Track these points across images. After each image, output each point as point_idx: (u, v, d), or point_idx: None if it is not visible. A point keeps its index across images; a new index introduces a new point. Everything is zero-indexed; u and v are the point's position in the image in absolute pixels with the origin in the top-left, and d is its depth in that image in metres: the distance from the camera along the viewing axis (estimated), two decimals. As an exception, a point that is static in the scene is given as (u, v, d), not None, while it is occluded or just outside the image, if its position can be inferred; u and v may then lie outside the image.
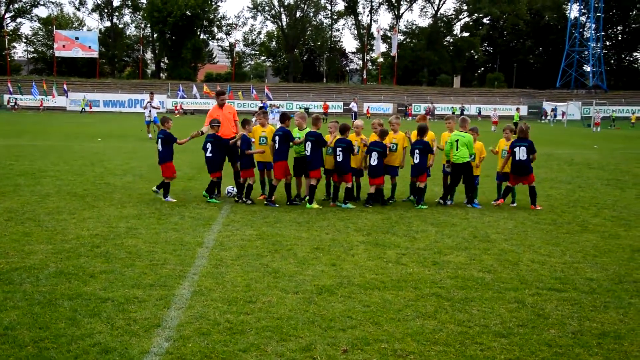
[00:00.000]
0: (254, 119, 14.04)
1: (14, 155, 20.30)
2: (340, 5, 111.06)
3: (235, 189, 13.26)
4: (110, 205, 11.91)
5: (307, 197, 12.42)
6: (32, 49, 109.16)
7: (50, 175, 15.72)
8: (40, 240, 8.91)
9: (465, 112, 68.48)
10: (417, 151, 12.60)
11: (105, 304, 6.31)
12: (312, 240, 9.38)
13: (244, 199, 12.61)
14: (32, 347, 5.25)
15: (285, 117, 12.79)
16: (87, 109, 70.65)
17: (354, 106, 57.76)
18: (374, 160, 12.50)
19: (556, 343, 5.59)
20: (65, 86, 77.14)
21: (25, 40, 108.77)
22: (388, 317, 6.13)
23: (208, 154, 12.79)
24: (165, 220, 10.59)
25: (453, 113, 59.34)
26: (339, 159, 12.33)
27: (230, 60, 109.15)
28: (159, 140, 12.92)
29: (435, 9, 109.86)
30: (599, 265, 8.29)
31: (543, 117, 69.22)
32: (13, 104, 69.94)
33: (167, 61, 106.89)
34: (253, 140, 12.94)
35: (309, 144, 12.25)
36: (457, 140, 12.58)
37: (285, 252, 8.59)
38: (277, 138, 12.36)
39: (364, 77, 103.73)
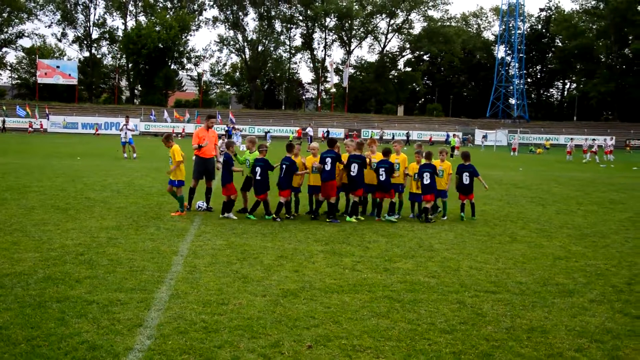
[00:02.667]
0: (220, 141, 13.98)
1: (0, 172, 19.76)
2: (298, 41, 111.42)
3: (205, 204, 13.17)
4: (91, 217, 11.70)
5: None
6: (17, 76, 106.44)
7: (35, 190, 15.34)
8: (28, 249, 8.70)
9: (409, 137, 69.37)
10: (382, 170, 12.65)
11: (91, 305, 6.21)
12: (276, 249, 9.38)
13: (226, 214, 12.31)
14: (25, 344, 5.14)
15: (231, 144, 12.84)
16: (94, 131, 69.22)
17: (310, 130, 57.97)
18: (354, 172, 12.41)
19: (493, 337, 5.72)
20: (47, 110, 75.45)
21: (10, 68, 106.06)
22: (346, 317, 6.18)
23: (257, 177, 12.39)
24: (143, 231, 10.45)
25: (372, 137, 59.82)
26: (353, 173, 12.38)
27: (198, 88, 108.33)
28: (222, 162, 12.53)
29: (382, 46, 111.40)
30: (526, 270, 8.50)
31: (469, 144, 69.79)
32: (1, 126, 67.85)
33: (140, 88, 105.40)
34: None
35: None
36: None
37: (252, 260, 8.57)
38: (284, 167, 12.38)
39: (319, 105, 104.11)
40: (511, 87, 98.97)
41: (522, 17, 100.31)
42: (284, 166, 12.39)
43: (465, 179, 13.21)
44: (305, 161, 12.91)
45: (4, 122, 68.63)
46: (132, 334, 5.47)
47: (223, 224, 11.45)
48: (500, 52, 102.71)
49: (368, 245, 9.90)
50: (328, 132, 72.89)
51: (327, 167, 12.33)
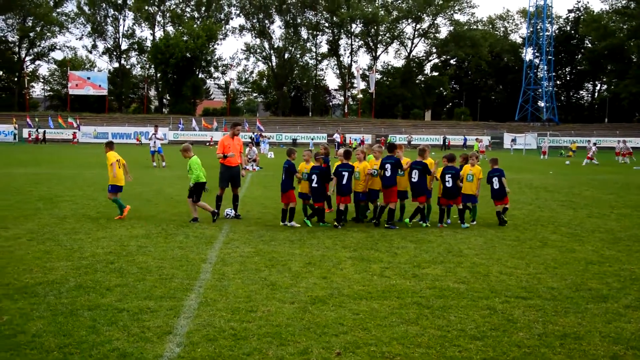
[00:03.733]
0: (247, 149, 14.08)
1: (33, 182, 20.15)
2: (324, 48, 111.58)
3: (233, 212, 13.23)
4: (121, 226, 11.85)
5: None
6: (49, 88, 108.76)
7: (67, 200, 15.61)
8: (60, 258, 8.85)
9: (446, 142, 68.95)
10: (415, 171, 12.55)
11: (122, 313, 6.27)
12: (304, 256, 9.37)
13: (287, 223, 12.31)
14: (58, 352, 5.21)
15: (292, 151, 12.92)
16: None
17: (337, 137, 57.96)
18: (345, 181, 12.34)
19: (524, 344, 5.63)
20: (77, 120, 76.85)
21: (42, 80, 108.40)
22: (375, 324, 6.14)
23: (314, 185, 12.39)
24: (172, 239, 10.55)
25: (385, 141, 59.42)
26: (414, 180, 12.42)
27: (225, 96, 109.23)
28: (284, 169, 12.56)
29: (408, 51, 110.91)
30: (558, 275, 8.35)
31: (489, 148, 67.94)
32: (34, 136, 69.21)
33: (169, 97, 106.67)
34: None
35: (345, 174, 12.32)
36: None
37: (280, 267, 8.57)
38: (314, 176, 12.40)
39: (346, 111, 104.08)
40: (540, 90, 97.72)
41: (550, 19, 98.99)
42: (344, 173, 12.32)
43: (495, 183, 13.03)
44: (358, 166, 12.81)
45: (44, 133, 70.13)
46: (161, 342, 5.51)
47: (251, 231, 11.49)
48: (528, 54, 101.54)
49: (396, 251, 9.84)
50: (386, 137, 72.71)
51: (387, 173, 12.32)
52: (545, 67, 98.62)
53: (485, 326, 6.11)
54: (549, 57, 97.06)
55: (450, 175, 12.70)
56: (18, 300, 6.68)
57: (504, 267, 8.82)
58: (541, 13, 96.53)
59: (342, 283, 7.73)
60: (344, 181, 12.28)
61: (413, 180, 12.57)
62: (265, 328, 5.94)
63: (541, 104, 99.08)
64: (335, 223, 12.25)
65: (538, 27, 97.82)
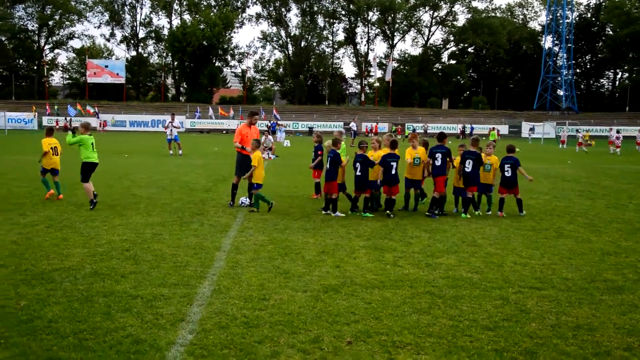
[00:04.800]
0: (263, 137, 14.12)
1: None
2: (341, 36, 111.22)
3: (247, 200, 13.27)
4: (137, 213, 11.95)
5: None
6: (67, 76, 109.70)
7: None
8: (76, 245, 8.95)
9: (465, 131, 68.55)
10: (469, 161, 12.53)
11: (136, 300, 6.34)
12: (318, 245, 9.39)
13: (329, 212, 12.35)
14: (73, 337, 5.29)
15: (337, 141, 12.86)
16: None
17: (353, 125, 57.78)
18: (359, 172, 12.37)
19: (537, 335, 5.60)
20: (96, 108, 77.45)
21: (61, 69, 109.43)
22: (387, 313, 6.15)
23: (358, 173, 12.35)
24: (187, 227, 10.62)
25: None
26: (467, 169, 12.41)
27: (242, 85, 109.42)
28: (329, 159, 12.51)
29: (425, 39, 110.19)
30: (573, 266, 8.29)
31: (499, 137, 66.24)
32: (63, 124, 69.84)
33: (185, 86, 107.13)
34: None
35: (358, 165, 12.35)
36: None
37: (294, 256, 8.60)
38: (357, 165, 12.37)
39: (362, 99, 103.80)
40: (559, 78, 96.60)
41: (570, 6, 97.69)
42: (392, 163, 12.33)
43: (508, 171, 12.79)
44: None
45: (71, 121, 70.89)
46: (174, 329, 5.57)
47: (265, 220, 11.52)
48: (547, 42, 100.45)
49: (410, 241, 9.82)
50: (403, 126, 72.43)
51: (438, 163, 12.41)
52: (565, 55, 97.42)
53: (498, 316, 6.09)
54: (569, 44, 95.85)
55: (471, 161, 12.59)
56: (35, 286, 6.79)
57: (518, 257, 8.78)
58: (561, 0, 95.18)
59: (355, 272, 7.74)
60: (393, 171, 12.32)
61: (466, 170, 12.55)
62: (277, 316, 5.97)
63: (560, 92, 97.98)
64: (388, 212, 12.29)
65: (558, 15, 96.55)
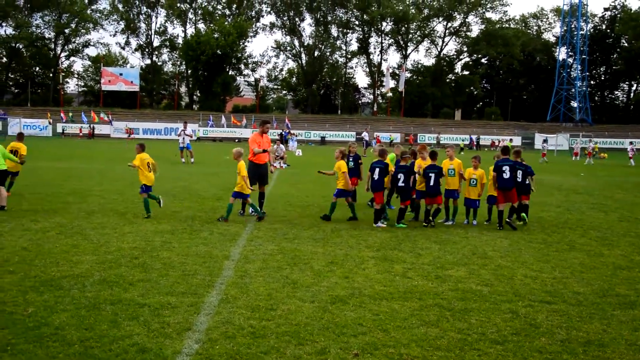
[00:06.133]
0: (275, 146, 14.17)
1: (64, 176, 20.52)
2: (354, 46, 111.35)
3: (251, 209, 13.25)
4: (147, 221, 11.97)
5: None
6: (82, 84, 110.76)
7: (95, 194, 15.85)
8: (86, 252, 8.98)
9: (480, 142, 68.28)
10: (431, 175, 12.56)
11: (143, 309, 6.34)
12: (327, 255, 9.35)
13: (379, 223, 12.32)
14: (79, 345, 5.29)
15: (384, 152, 12.88)
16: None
17: (365, 135, 57.68)
18: (376, 176, 12.40)
19: (546, 350, 5.53)
20: (110, 116, 78.02)
21: (76, 76, 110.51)
22: (395, 325, 6.10)
23: (401, 184, 12.43)
24: (196, 235, 10.62)
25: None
26: (505, 175, 12.29)
27: (255, 93, 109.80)
28: (377, 169, 12.43)
29: (439, 50, 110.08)
30: (585, 280, 8.19)
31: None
32: (87, 132, 70.49)
33: (199, 94, 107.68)
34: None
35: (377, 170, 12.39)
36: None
37: (303, 266, 8.57)
38: (377, 170, 12.39)
39: (375, 109, 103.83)
40: (573, 90, 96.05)
41: (584, 18, 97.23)
42: (431, 175, 12.48)
43: (506, 173, 12.35)
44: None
45: (93, 128, 71.62)
46: (180, 338, 5.55)
47: (275, 229, 11.50)
48: (561, 53, 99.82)
49: (420, 252, 9.76)
50: (415, 136, 72.44)
51: (506, 175, 12.32)
52: (579, 66, 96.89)
53: (507, 330, 6.02)
54: (583, 56, 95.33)
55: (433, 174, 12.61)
56: (44, 292, 6.81)
57: (529, 270, 8.69)
58: (576, 11, 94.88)
59: (364, 283, 7.69)
60: (431, 182, 12.43)
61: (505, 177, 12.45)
62: (284, 327, 5.94)
63: (574, 104, 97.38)
64: (425, 223, 12.44)
65: (572, 26, 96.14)
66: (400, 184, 12.41)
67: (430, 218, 12.55)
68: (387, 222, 12.48)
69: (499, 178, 12.38)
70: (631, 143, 40.52)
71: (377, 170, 12.38)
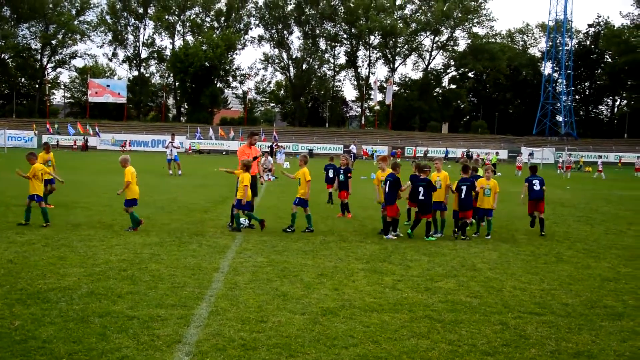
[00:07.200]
0: (262, 159, 14.18)
1: (50, 188, 20.30)
2: (342, 59, 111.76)
3: (247, 221, 13.23)
4: (135, 233, 11.90)
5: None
6: (69, 95, 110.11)
7: (82, 207, 15.74)
8: (73, 264, 8.90)
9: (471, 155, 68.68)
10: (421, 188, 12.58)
11: (132, 321, 6.29)
12: (316, 267, 9.34)
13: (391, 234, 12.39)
14: (67, 359, 5.24)
15: (397, 165, 12.91)
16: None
17: (353, 148, 57.88)
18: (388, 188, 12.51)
19: (537, 362, 5.55)
20: (97, 127, 77.62)
21: (63, 87, 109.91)
22: (386, 337, 6.10)
23: (421, 197, 12.46)
24: (185, 247, 10.57)
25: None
26: (535, 187, 13.52)
27: (243, 106, 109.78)
28: (387, 182, 12.46)
29: (426, 63, 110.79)
30: (573, 292, 8.25)
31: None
32: (81, 144, 69.89)
33: (187, 106, 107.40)
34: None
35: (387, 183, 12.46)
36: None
37: (292, 278, 8.55)
38: (388, 183, 12.44)
39: (362, 122, 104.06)
40: (558, 104, 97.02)
41: (569, 33, 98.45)
42: (463, 187, 12.62)
43: (463, 193, 12.73)
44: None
45: (86, 140, 71.17)
46: (170, 350, 5.51)
47: (264, 241, 11.48)
48: (547, 68, 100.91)
49: (409, 264, 9.77)
50: (402, 149, 72.67)
51: (536, 187, 13.39)
52: (564, 81, 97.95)
53: (497, 341, 6.04)
54: (568, 71, 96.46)
55: (465, 187, 12.66)
56: (30, 305, 6.73)
57: (517, 282, 8.73)
58: (561, 27, 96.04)
59: (354, 295, 7.69)
60: (463, 195, 12.54)
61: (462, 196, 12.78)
62: (275, 339, 5.92)
63: (559, 118, 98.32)
64: (455, 235, 12.64)
65: (557, 41, 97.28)
66: (420, 197, 12.48)
67: (456, 230, 12.75)
68: (399, 237, 12.54)
69: (530, 189, 13.66)
70: (600, 157, 41.32)
71: (388, 183, 12.45)
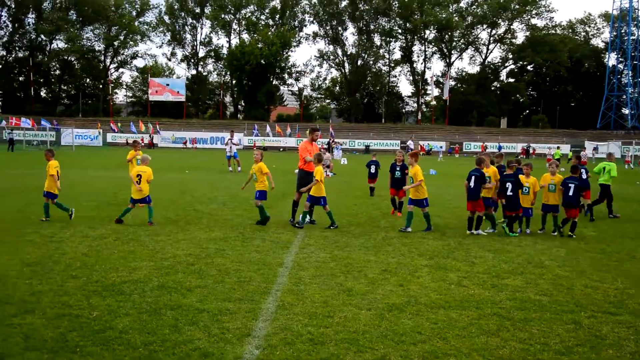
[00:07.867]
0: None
1: (118, 185, 20.98)
2: (397, 55, 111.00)
3: (308, 217, 13.27)
4: (200, 229, 12.14)
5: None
6: (131, 94, 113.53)
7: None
8: (143, 258, 9.16)
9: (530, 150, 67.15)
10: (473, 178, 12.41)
11: (202, 314, 6.42)
12: (379, 263, 9.31)
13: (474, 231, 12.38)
14: (143, 349, 5.40)
15: (481, 160, 12.78)
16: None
17: (411, 144, 57.45)
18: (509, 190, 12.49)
19: (614, 362, 5.37)
20: (157, 125, 79.66)
21: (125, 87, 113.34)
22: (454, 334, 6.02)
23: (509, 193, 12.49)
24: (249, 243, 10.72)
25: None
26: (570, 193, 12.54)
27: (298, 103, 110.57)
28: (473, 177, 12.42)
29: (483, 57, 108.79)
30: (649, 291, 7.93)
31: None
32: (148, 142, 71.64)
33: (244, 104, 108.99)
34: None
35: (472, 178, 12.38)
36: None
37: (356, 273, 8.55)
38: (472, 178, 12.41)
39: (419, 118, 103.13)
40: (624, 96, 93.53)
41: (635, 22, 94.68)
42: (571, 185, 12.54)
43: (571, 191, 12.55)
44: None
45: (152, 138, 73.23)
46: (241, 343, 5.60)
47: (326, 237, 11.52)
48: (611, 59, 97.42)
49: (474, 261, 9.62)
50: (461, 144, 71.87)
51: (570, 193, 12.56)
52: (630, 72, 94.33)
53: (571, 341, 5.87)
54: (635, 62, 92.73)
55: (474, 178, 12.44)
56: (106, 297, 6.97)
57: (588, 280, 8.46)
58: (626, 16, 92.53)
59: (419, 291, 7.63)
60: (570, 192, 12.48)
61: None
62: (342, 334, 5.93)
63: (625, 111, 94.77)
64: (570, 233, 12.39)
65: (622, 31, 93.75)
66: (509, 192, 12.39)
67: (563, 228, 12.60)
68: (492, 232, 12.48)
69: (565, 193, 12.63)
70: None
71: (472, 178, 12.35)
